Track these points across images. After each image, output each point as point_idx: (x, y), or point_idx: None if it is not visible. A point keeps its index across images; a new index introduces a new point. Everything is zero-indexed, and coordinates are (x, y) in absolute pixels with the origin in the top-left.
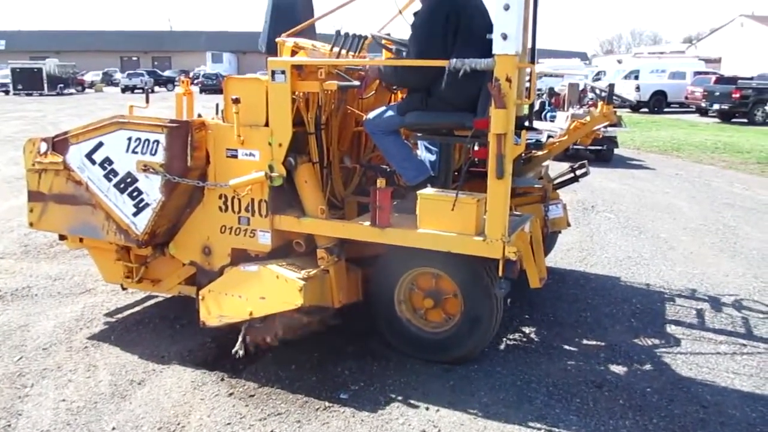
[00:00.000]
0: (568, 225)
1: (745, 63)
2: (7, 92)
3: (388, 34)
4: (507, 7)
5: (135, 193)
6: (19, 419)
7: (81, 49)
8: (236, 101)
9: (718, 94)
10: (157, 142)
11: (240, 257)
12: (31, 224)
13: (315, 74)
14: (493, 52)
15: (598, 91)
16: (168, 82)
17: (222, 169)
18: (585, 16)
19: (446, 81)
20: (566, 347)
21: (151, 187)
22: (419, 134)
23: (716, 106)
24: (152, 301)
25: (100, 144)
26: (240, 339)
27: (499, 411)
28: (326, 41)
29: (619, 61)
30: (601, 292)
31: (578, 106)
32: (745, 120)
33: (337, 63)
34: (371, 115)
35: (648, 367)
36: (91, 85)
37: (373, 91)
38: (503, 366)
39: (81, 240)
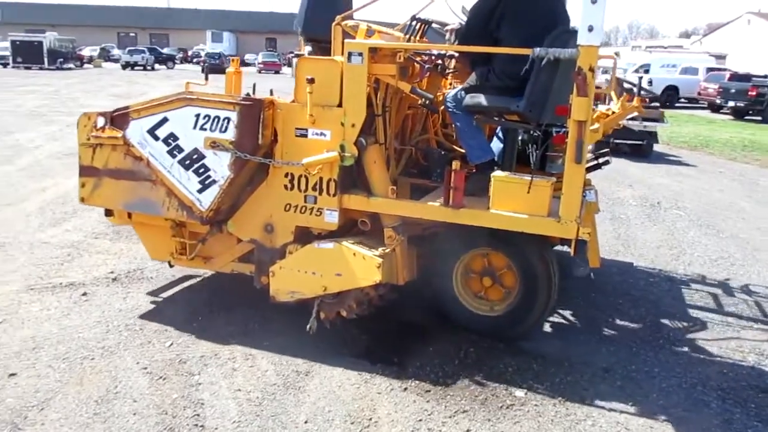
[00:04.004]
0: (599, 210)
1: (751, 60)
2: (5, 65)
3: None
4: (594, 0)
5: (201, 170)
6: (203, 409)
7: (77, 23)
8: (311, 81)
9: (733, 91)
10: (228, 119)
11: (302, 235)
12: (82, 199)
13: (388, 57)
14: (578, 42)
15: (626, 84)
16: (168, 60)
17: (290, 147)
18: (580, 6)
19: (499, 65)
20: (711, 348)
21: (219, 164)
22: (478, 116)
23: (731, 103)
24: None
25: (165, 120)
26: (313, 315)
27: (681, 415)
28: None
29: (617, 54)
30: (719, 293)
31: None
32: (759, 118)
33: (414, 47)
34: (450, 93)
35: None
36: (90, 60)
37: (427, 74)
38: (660, 367)
39: (129, 216)
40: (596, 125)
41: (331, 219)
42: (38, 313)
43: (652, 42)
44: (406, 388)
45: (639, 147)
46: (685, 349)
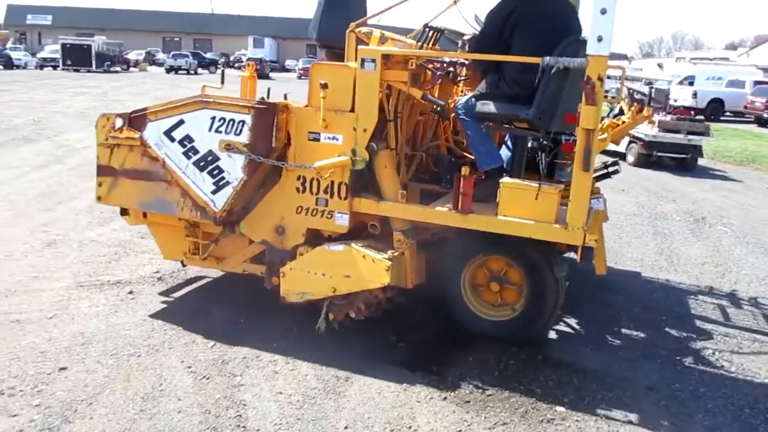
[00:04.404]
0: (607, 219)
1: None
2: (55, 67)
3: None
4: (604, 11)
5: (215, 172)
6: (245, 410)
7: (124, 27)
8: (324, 86)
9: None
10: (243, 122)
11: (313, 237)
12: (98, 198)
13: (401, 64)
14: (588, 52)
15: (635, 94)
16: (210, 65)
17: (302, 151)
18: (624, 16)
19: (509, 73)
20: (759, 369)
21: (233, 166)
22: (490, 123)
23: None
24: None
25: (181, 122)
26: (322, 315)
27: None
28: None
29: (660, 65)
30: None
31: (664, 113)
32: None
33: (426, 54)
34: (460, 100)
35: None
36: (135, 63)
37: (439, 81)
38: (706, 387)
39: (144, 215)
40: (604, 135)
41: (342, 222)
42: (87, 309)
43: (697, 53)
44: (445, 398)
45: (683, 160)
46: (732, 369)
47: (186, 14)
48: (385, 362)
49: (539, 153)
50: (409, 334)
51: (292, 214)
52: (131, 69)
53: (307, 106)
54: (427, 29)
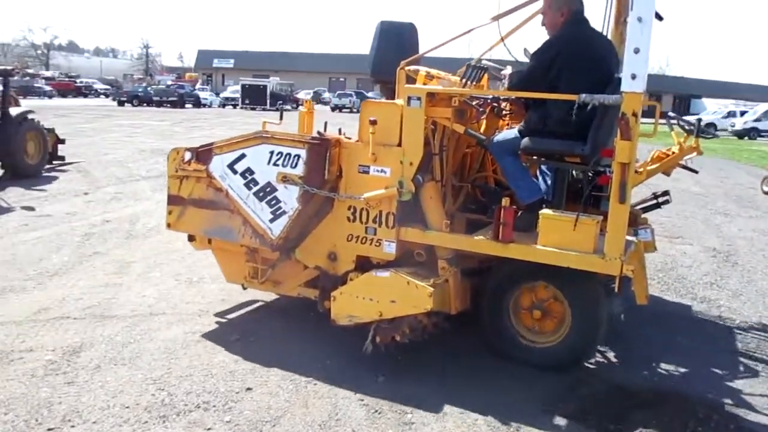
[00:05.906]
0: (655, 249)
1: None
2: (235, 106)
3: (505, 66)
4: (637, 51)
5: (273, 202)
6: None
7: (295, 69)
8: (373, 122)
9: None
10: (298, 156)
11: (362, 264)
12: (168, 225)
13: (445, 101)
14: (622, 89)
15: (684, 125)
16: None
17: (353, 183)
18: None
19: (557, 113)
20: None
21: (289, 197)
22: (535, 157)
23: None
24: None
25: (243, 156)
26: (369, 338)
27: None
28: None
29: None
30: None
31: None
32: None
33: (467, 93)
34: (497, 137)
35: None
36: (304, 102)
37: (483, 116)
38: None
39: (209, 241)
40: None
41: (390, 250)
42: (269, 333)
43: None
44: None
45: None
46: None
47: (350, 55)
48: (556, 413)
49: (584, 184)
50: (579, 386)
51: (343, 241)
52: (300, 108)
53: (357, 140)
54: (470, 69)
